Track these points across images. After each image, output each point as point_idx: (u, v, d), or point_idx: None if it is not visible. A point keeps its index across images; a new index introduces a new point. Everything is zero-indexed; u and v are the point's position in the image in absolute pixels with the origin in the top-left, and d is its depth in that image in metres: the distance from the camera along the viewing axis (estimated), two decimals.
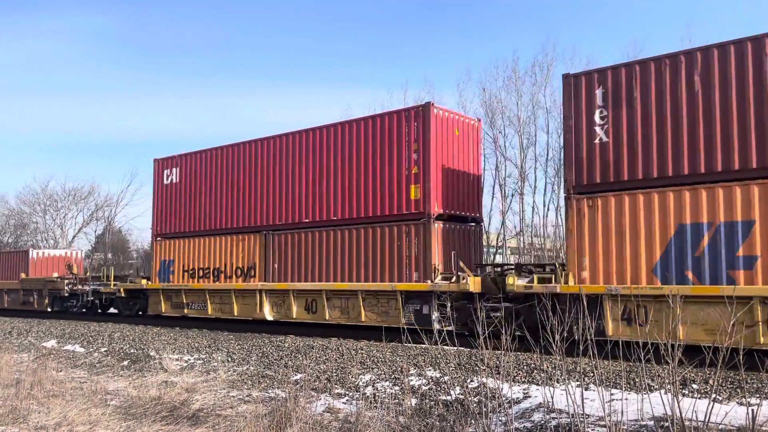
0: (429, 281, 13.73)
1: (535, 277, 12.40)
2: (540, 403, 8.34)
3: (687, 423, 6.29)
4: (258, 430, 7.63)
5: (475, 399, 8.69)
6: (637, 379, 8.70)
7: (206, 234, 18.57)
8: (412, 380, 10.09)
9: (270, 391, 10.46)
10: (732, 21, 54.18)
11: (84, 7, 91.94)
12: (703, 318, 10.34)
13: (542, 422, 7.64)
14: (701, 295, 10.34)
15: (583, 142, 11.78)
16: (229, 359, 13.16)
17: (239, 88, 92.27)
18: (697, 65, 10.85)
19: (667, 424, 6.42)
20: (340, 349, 12.86)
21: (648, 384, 8.35)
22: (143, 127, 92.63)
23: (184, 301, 19.00)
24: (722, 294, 9.71)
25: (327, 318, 15.52)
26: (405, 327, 12.20)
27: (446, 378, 9.97)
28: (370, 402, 9.07)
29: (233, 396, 10.26)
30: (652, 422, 6.92)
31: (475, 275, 13.55)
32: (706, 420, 6.21)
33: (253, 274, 17.18)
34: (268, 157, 17.15)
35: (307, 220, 16.12)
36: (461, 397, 8.97)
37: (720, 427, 6.58)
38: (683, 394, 7.85)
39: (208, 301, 18.23)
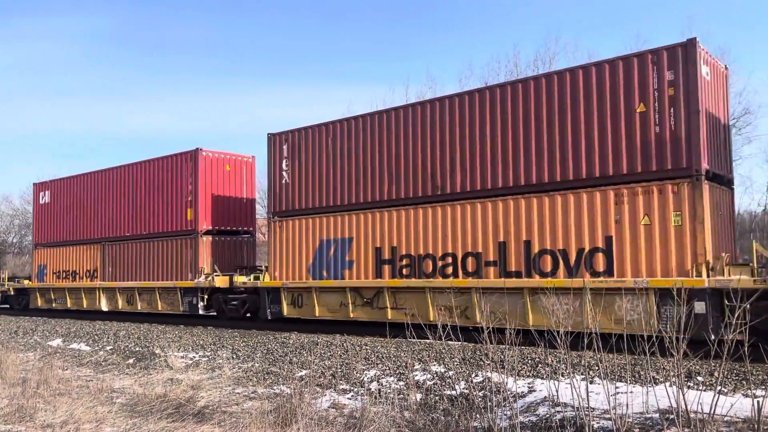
0: (195, 280, 18.51)
1: (252, 276, 17.33)
2: (545, 397, 8.34)
3: (692, 415, 6.28)
4: (263, 426, 7.65)
5: (479, 393, 8.70)
6: (642, 372, 8.69)
7: (66, 244, 23.64)
8: (416, 375, 10.10)
9: (275, 387, 10.49)
10: (732, 14, 53.98)
11: (83, 8, 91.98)
12: (330, 301, 15.47)
13: (547, 416, 7.64)
14: (329, 286, 15.39)
15: (276, 181, 16.79)
16: (234, 356, 13.19)
17: (240, 86, 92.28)
18: (330, 132, 15.70)
19: (672, 416, 6.42)
20: (344, 345, 12.88)
21: (653, 377, 8.34)
22: (144, 126, 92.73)
23: (53, 297, 24.19)
24: (337, 285, 15.21)
25: (139, 308, 20.67)
26: (184, 313, 18.99)
27: (451, 373, 9.98)
28: (375, 397, 9.09)
29: (238, 393, 10.28)
30: (657, 415, 6.91)
31: (230, 275, 17.99)
32: (712, 412, 6.21)
33: (96, 275, 22.27)
34: (103, 186, 22.34)
35: (128, 234, 21.17)
36: (466, 391, 8.98)
37: (725, 418, 6.58)
38: (688, 387, 7.84)
39: (68, 297, 23.43)
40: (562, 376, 9.04)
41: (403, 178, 14.26)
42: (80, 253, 22.78)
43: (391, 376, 10.41)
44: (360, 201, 15.02)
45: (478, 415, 7.75)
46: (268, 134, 16.95)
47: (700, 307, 10.17)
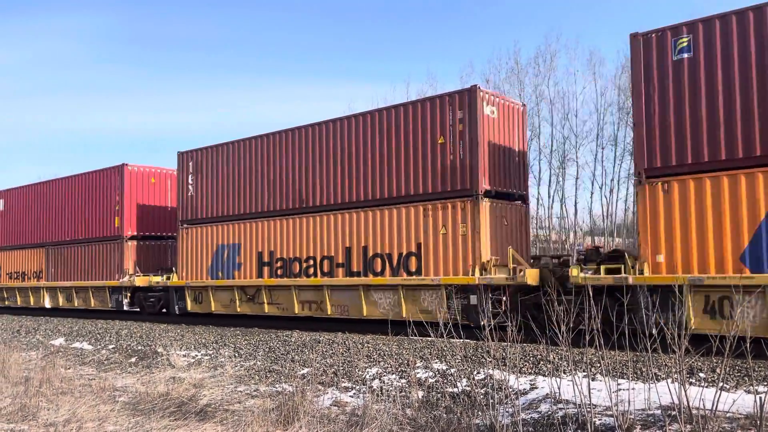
0: (120, 280, 20.88)
1: (165, 276, 20.01)
2: (547, 394, 8.34)
3: (694, 411, 6.28)
4: (266, 424, 7.66)
5: (481, 391, 8.70)
6: (644, 369, 8.69)
7: (18, 248, 25.85)
8: (418, 373, 10.11)
9: (277, 385, 10.50)
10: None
11: (88, 6, 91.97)
12: (223, 297, 17.91)
13: (549, 413, 7.64)
14: (222, 285, 17.75)
15: (184, 193, 19.03)
16: (236, 354, 13.21)
17: (242, 82, 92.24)
18: (224, 152, 17.99)
19: (674, 412, 6.41)
20: (346, 343, 12.89)
21: (655, 373, 8.33)
22: (147, 124, 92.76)
23: (5, 296, 26.65)
24: (228, 284, 17.53)
25: (76, 305, 22.90)
26: (127, 309, 21.25)
27: (453, 370, 9.98)
28: (377, 395, 9.09)
29: (241, 391, 10.29)
30: (659, 411, 6.91)
31: (150, 275, 20.51)
32: (714, 408, 6.21)
33: (41, 276, 24.45)
34: (48, 196, 24.63)
35: (67, 239, 23.32)
36: (468, 388, 8.99)
37: (728, 415, 6.57)
38: (690, 383, 7.83)
39: (17, 295, 25.84)
40: (564, 373, 9.04)
41: (278, 193, 16.72)
42: (29, 256, 25.19)
43: (393, 373, 10.42)
44: (246, 212, 17.46)
45: (480, 413, 7.75)
46: (178, 153, 19.43)
47: (473, 299, 12.98)
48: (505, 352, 9.80)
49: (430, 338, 11.39)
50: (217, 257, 17.93)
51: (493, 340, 7.98)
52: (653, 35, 10.95)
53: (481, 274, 12.95)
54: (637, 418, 6.83)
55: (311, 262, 15.76)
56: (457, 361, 10.35)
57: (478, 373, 9.67)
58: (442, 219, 13.60)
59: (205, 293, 18.34)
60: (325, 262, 15.48)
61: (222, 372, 11.81)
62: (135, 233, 21.35)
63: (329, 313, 15.36)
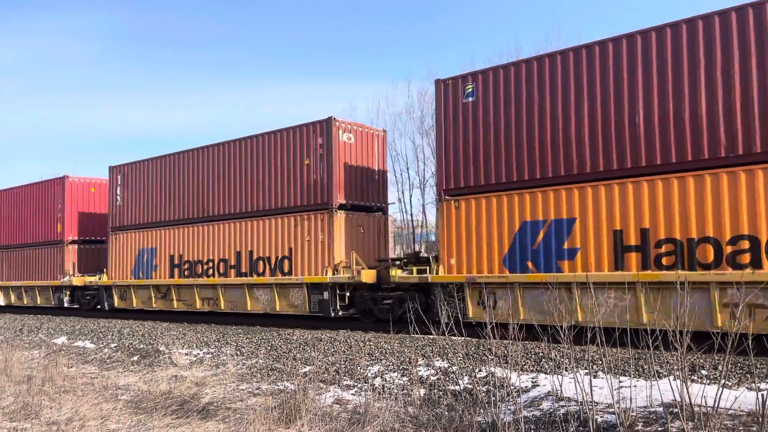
0: (61, 279, 23.35)
1: (97, 276, 22.43)
2: (549, 392, 8.34)
3: (696, 408, 6.28)
4: (268, 422, 7.67)
5: (483, 388, 8.70)
6: (645, 366, 8.69)
7: None
8: (420, 371, 10.11)
9: (279, 383, 10.50)
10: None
11: (92, 4, 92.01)
12: (143, 295, 20.61)
13: (551, 410, 7.64)
14: (142, 284, 20.33)
15: (114, 203, 21.57)
16: (238, 353, 13.22)
17: (243, 82, 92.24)
18: (145, 168, 20.61)
19: (676, 410, 6.42)
20: (348, 341, 12.90)
21: (657, 371, 8.33)
22: (149, 123, 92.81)
23: None
24: (146, 283, 20.14)
25: (25, 302, 25.53)
26: (67, 306, 23.75)
27: (454, 368, 9.98)
28: (379, 393, 9.10)
29: (243, 389, 10.30)
30: (661, 408, 6.91)
31: (88, 275, 22.82)
32: (716, 405, 6.21)
33: None
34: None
35: (18, 242, 25.85)
36: (470, 386, 8.99)
37: (730, 412, 6.57)
38: (692, 380, 7.84)
39: None
40: (566, 370, 9.04)
41: (186, 204, 19.24)
42: None
43: (394, 371, 10.43)
44: (162, 220, 19.97)
45: (481, 410, 7.76)
46: (109, 167, 22.00)
47: (325, 294, 15.52)
48: (507, 350, 9.80)
49: (431, 336, 11.43)
50: (138, 260, 20.53)
51: (495, 338, 7.98)
52: (450, 81, 13.49)
53: (333, 275, 15.38)
54: (639, 416, 6.83)
55: (210, 264, 18.31)
56: (459, 358, 10.35)
57: (480, 370, 9.67)
58: (307, 228, 16.07)
59: (128, 291, 20.95)
60: (221, 264, 18.03)
61: (224, 370, 11.83)
62: (75, 238, 23.76)
63: (222, 308, 18.01)
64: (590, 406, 6.69)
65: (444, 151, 13.51)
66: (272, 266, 16.70)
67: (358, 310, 15.51)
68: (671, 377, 7.72)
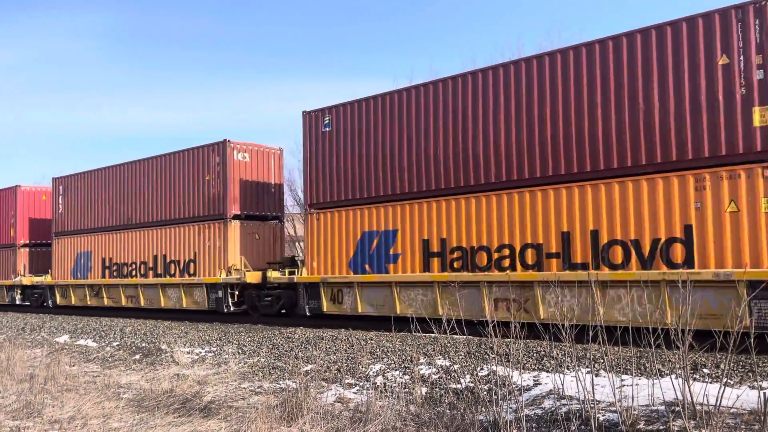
0: (13, 279, 25.82)
1: (42, 276, 25.02)
2: (550, 390, 8.34)
3: (698, 407, 6.28)
4: (269, 420, 7.67)
5: (485, 387, 8.70)
6: (647, 365, 8.68)
7: None
8: (422, 369, 10.11)
9: (281, 382, 10.51)
10: None
11: (92, 4, 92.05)
12: (81, 293, 23.25)
13: (553, 409, 7.64)
14: (79, 283, 22.94)
15: (56, 211, 24.20)
16: (240, 351, 13.23)
17: (245, 80, 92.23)
18: (80, 180, 23.41)
19: (678, 408, 6.41)
20: (349, 339, 12.90)
21: (659, 369, 8.33)
22: (150, 122, 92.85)
23: None
24: (83, 283, 22.75)
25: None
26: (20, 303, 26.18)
27: (456, 366, 9.98)
28: (381, 391, 9.10)
29: (244, 387, 10.31)
30: (663, 407, 6.90)
31: (34, 275, 25.39)
32: (718, 404, 6.20)
33: None
34: None
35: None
36: (471, 385, 8.99)
37: (732, 410, 6.56)
38: (694, 379, 7.83)
39: None
40: (568, 369, 9.04)
41: (115, 212, 21.86)
42: None
43: (396, 370, 10.43)
44: (96, 226, 22.54)
45: (483, 409, 7.76)
46: (52, 178, 24.31)
47: (220, 293, 18.08)
48: (508, 349, 9.80)
49: (433, 334, 11.43)
50: (77, 262, 23.09)
51: (496, 337, 7.97)
52: (313, 113, 16.03)
53: (226, 276, 17.85)
54: (640, 414, 6.82)
55: (134, 266, 20.91)
56: (461, 357, 10.35)
57: (482, 369, 9.67)
58: (207, 235, 18.55)
59: (68, 290, 23.58)
60: (142, 266, 20.64)
61: (226, 369, 11.84)
62: (27, 241, 26.18)
63: (142, 304, 20.54)
64: (592, 405, 6.69)
65: (309, 171, 16.09)
66: (181, 268, 19.25)
67: (247, 306, 18.08)
68: (673, 376, 7.72)
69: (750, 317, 8.86)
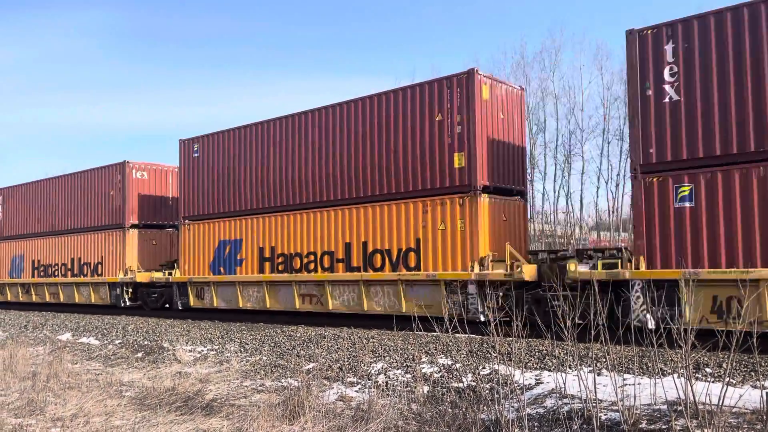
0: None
1: None
2: (552, 389, 8.33)
3: (700, 406, 6.27)
4: (271, 419, 7.68)
5: (487, 386, 8.70)
6: (649, 364, 8.67)
7: None
8: (423, 368, 10.11)
9: (283, 380, 10.52)
10: None
11: (93, 2, 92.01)
12: (14, 291, 26.26)
13: (555, 408, 7.63)
14: (14, 282, 26.19)
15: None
16: (242, 349, 13.24)
17: (247, 78, 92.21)
18: (17, 192, 26.72)
19: (680, 407, 6.40)
20: (351, 338, 12.91)
21: (661, 368, 8.32)
22: (150, 119, 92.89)
23: None
24: (16, 281, 25.99)
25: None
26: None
27: (458, 365, 9.98)
28: (383, 390, 9.10)
29: (246, 386, 10.32)
30: (665, 406, 6.89)
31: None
32: (720, 403, 6.19)
33: None
34: None
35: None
36: (473, 383, 8.99)
37: (734, 410, 6.56)
38: (696, 378, 7.82)
39: None
40: (570, 368, 9.03)
41: (42, 220, 24.73)
42: None
43: (398, 368, 10.43)
44: (28, 232, 25.45)
45: (485, 408, 7.75)
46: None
47: (118, 290, 21.42)
48: (510, 347, 9.80)
49: (435, 333, 11.42)
50: (12, 263, 26.13)
51: (498, 335, 7.97)
52: (186, 141, 19.07)
53: (123, 276, 20.97)
54: (642, 413, 6.82)
55: (56, 267, 23.82)
56: (463, 356, 10.35)
57: (484, 368, 9.67)
58: (111, 241, 21.69)
59: (5, 288, 26.79)
60: (62, 267, 23.46)
61: (228, 367, 11.85)
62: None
63: (62, 300, 23.61)
64: (594, 404, 6.68)
65: (183, 188, 19.06)
66: (92, 269, 22.25)
67: (141, 302, 21.20)
68: (675, 375, 7.71)
69: (452, 306, 13.03)
